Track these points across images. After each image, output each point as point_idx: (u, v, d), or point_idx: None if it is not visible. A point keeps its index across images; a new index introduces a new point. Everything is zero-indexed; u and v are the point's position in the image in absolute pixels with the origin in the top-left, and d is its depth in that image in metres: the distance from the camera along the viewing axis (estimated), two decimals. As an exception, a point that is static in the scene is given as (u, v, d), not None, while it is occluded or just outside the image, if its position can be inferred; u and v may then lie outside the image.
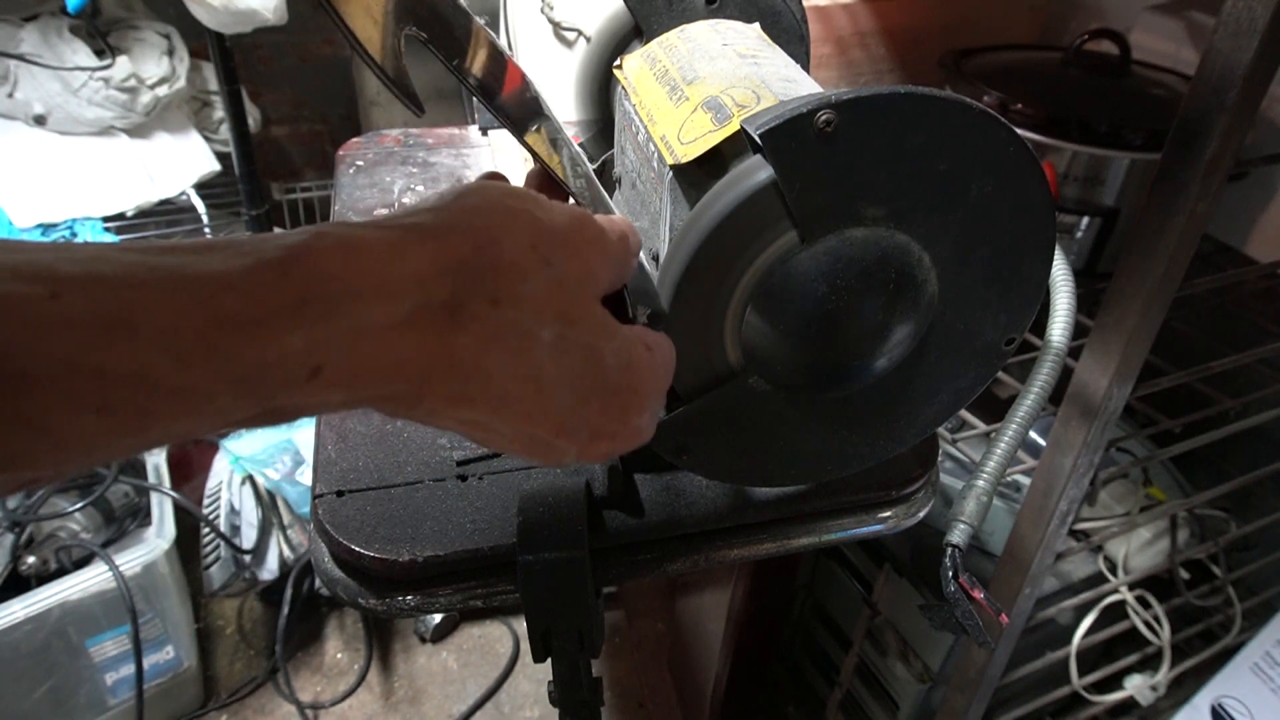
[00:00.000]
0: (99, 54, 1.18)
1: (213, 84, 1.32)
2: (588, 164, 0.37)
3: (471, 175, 0.76)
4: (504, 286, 0.26)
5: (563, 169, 0.36)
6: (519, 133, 0.36)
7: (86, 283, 0.19)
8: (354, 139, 0.86)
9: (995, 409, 0.57)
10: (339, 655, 1.31)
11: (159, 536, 1.09)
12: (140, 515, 1.20)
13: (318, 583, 1.26)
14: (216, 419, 0.22)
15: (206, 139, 1.36)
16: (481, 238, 0.26)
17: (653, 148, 0.41)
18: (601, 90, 0.50)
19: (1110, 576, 0.84)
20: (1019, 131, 0.33)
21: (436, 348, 0.25)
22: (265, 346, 0.21)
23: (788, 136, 0.30)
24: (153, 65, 1.22)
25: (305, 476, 1.23)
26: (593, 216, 0.30)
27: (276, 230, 0.27)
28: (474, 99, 0.37)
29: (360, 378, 0.24)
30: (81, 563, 1.09)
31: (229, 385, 0.21)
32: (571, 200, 0.37)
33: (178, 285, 0.21)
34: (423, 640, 1.34)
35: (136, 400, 0.20)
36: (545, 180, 0.37)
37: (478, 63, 0.34)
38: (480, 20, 0.33)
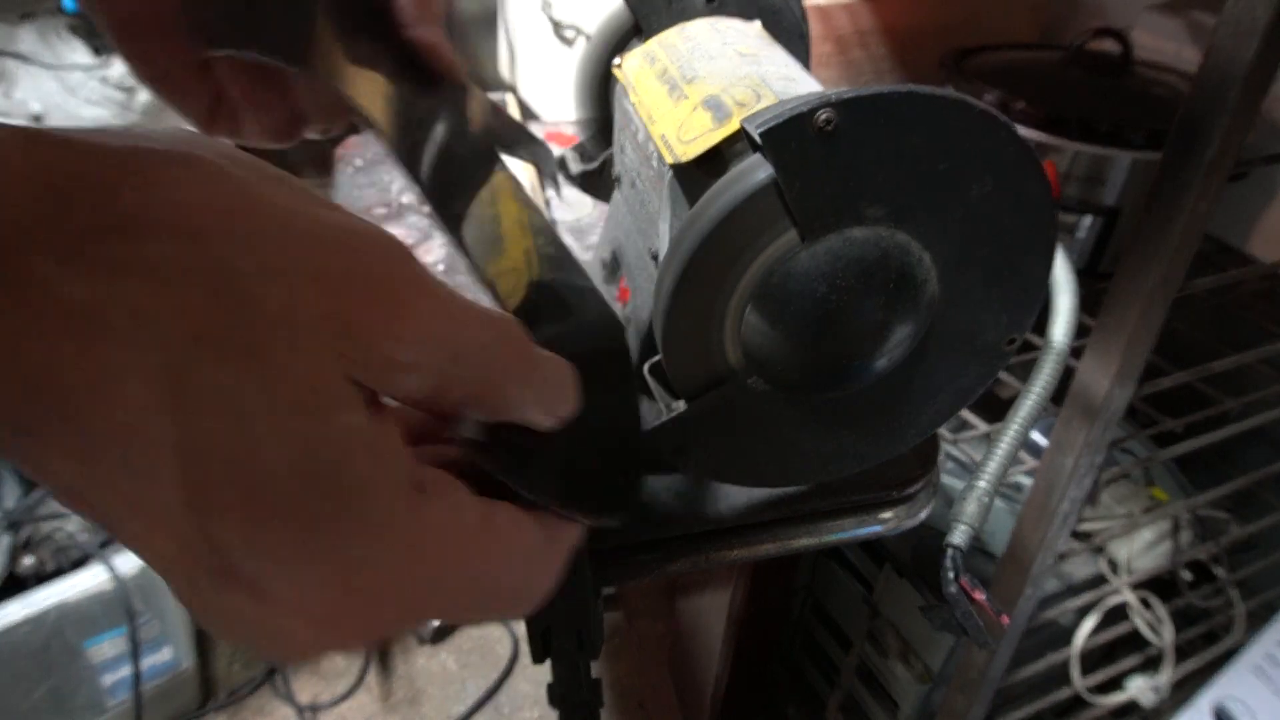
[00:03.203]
0: (96, 52, 1.18)
1: (212, 84, 1.32)
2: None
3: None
4: (119, 242, 0.17)
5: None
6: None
7: None
8: (353, 138, 0.85)
9: (996, 409, 0.57)
10: (338, 656, 1.31)
11: (158, 537, 1.09)
12: (139, 516, 1.20)
13: (317, 583, 1.26)
14: None
15: (206, 139, 1.36)
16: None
17: (652, 147, 0.41)
18: (601, 89, 0.50)
19: (1112, 577, 0.84)
20: (1020, 130, 0.32)
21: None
22: None
23: (788, 135, 0.30)
24: (152, 65, 1.22)
25: (304, 477, 1.23)
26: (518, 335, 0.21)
27: None
28: None
29: None
30: (79, 564, 1.08)
31: None
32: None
33: None
34: (422, 641, 1.34)
35: None
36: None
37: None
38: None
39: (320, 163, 1.69)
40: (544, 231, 0.33)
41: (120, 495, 0.16)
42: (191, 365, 0.16)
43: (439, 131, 0.33)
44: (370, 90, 0.31)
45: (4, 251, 0.15)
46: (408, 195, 0.75)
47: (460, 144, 0.34)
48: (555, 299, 0.28)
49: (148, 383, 0.16)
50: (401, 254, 0.19)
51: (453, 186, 0.31)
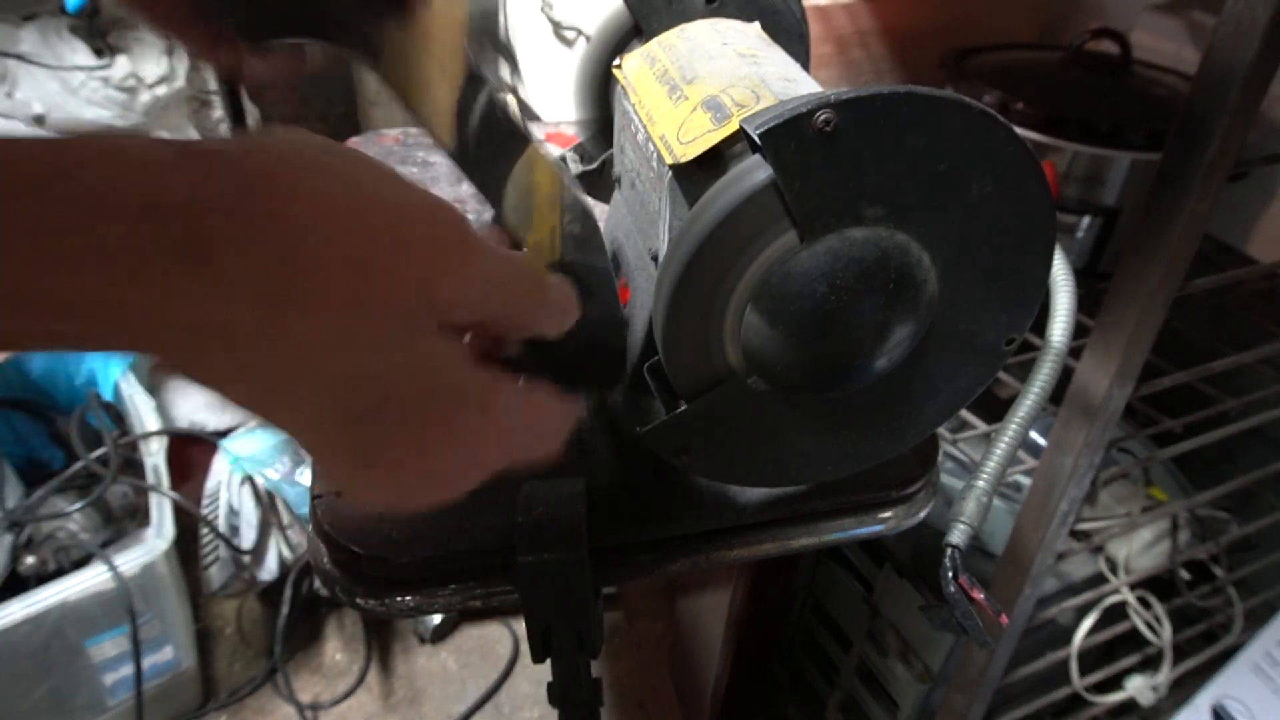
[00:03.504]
0: (98, 53, 1.18)
1: (212, 83, 1.32)
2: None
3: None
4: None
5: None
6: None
7: None
8: (353, 138, 0.86)
9: (995, 409, 0.57)
10: (338, 656, 1.31)
11: (158, 537, 1.09)
12: (139, 516, 1.20)
13: (317, 583, 1.26)
14: None
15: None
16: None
17: (652, 147, 0.41)
18: (601, 90, 0.50)
19: (1111, 577, 0.84)
20: (1019, 131, 0.33)
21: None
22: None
23: (787, 136, 0.30)
24: (152, 65, 1.22)
25: (305, 477, 1.23)
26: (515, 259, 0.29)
27: None
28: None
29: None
30: (80, 563, 1.08)
31: None
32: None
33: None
34: (422, 641, 1.34)
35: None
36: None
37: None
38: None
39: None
40: (572, 207, 0.36)
41: (293, 415, 0.23)
42: (341, 319, 0.22)
43: (480, 104, 0.34)
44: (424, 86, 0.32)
45: (194, 241, 0.20)
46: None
47: (499, 117, 0.35)
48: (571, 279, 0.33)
49: (315, 333, 0.22)
50: (459, 221, 0.25)
51: (493, 158, 0.34)
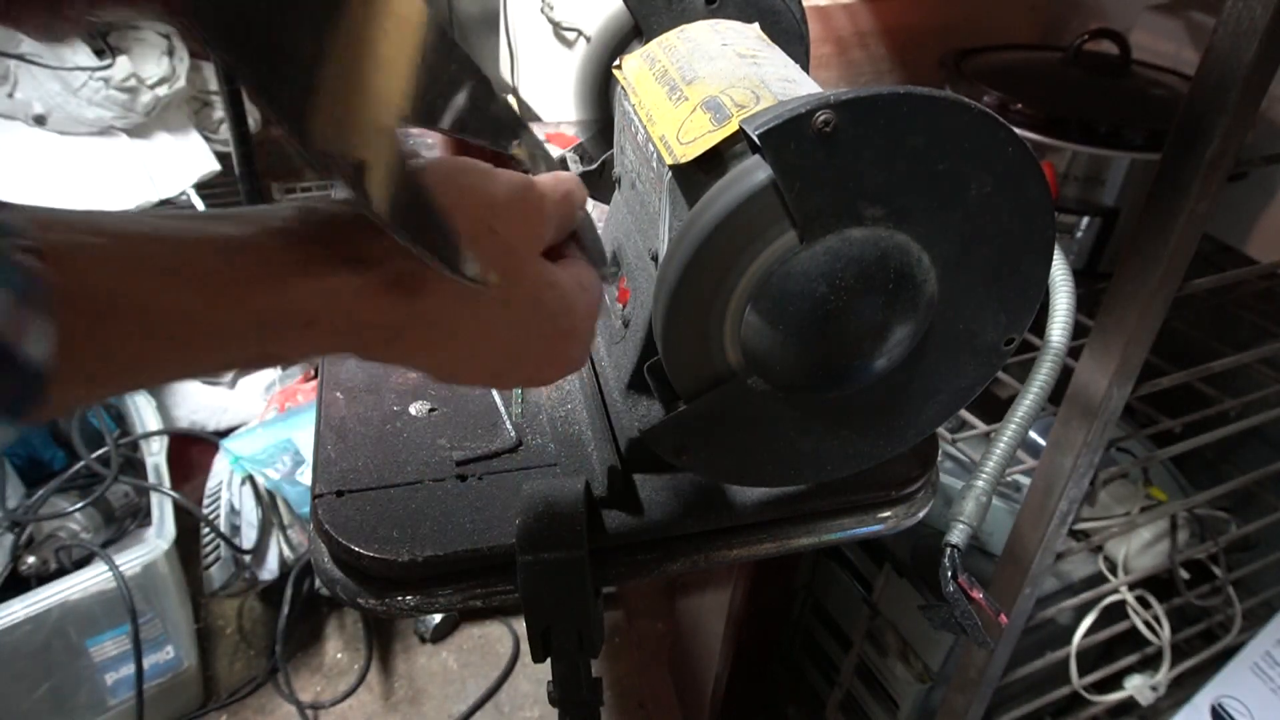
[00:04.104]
0: (99, 54, 1.18)
1: (213, 84, 1.33)
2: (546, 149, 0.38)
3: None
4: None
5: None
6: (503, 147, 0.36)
7: (137, 238, 0.25)
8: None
9: (995, 409, 0.57)
10: (339, 655, 1.31)
11: (159, 536, 1.09)
12: (140, 515, 1.20)
13: (318, 583, 1.26)
14: (234, 356, 0.27)
15: (206, 139, 1.36)
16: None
17: (652, 148, 0.41)
18: (601, 90, 0.50)
19: (1110, 576, 0.84)
20: (1019, 131, 0.33)
21: (406, 307, 0.29)
22: (273, 298, 0.26)
23: (787, 136, 0.30)
24: (153, 65, 1.22)
25: (305, 476, 1.23)
26: (534, 183, 0.34)
27: (270, 204, 0.32)
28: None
29: (344, 329, 0.28)
30: (81, 563, 1.09)
31: (244, 327, 0.26)
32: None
33: (203, 244, 0.26)
34: (423, 640, 1.34)
35: (179, 333, 0.25)
36: (461, 145, 0.37)
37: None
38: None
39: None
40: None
41: (479, 359, 0.33)
42: (507, 289, 0.31)
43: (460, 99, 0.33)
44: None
45: (427, 272, 0.29)
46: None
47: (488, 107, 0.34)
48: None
49: (493, 304, 0.31)
50: (534, 185, 0.33)
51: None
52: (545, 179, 0.34)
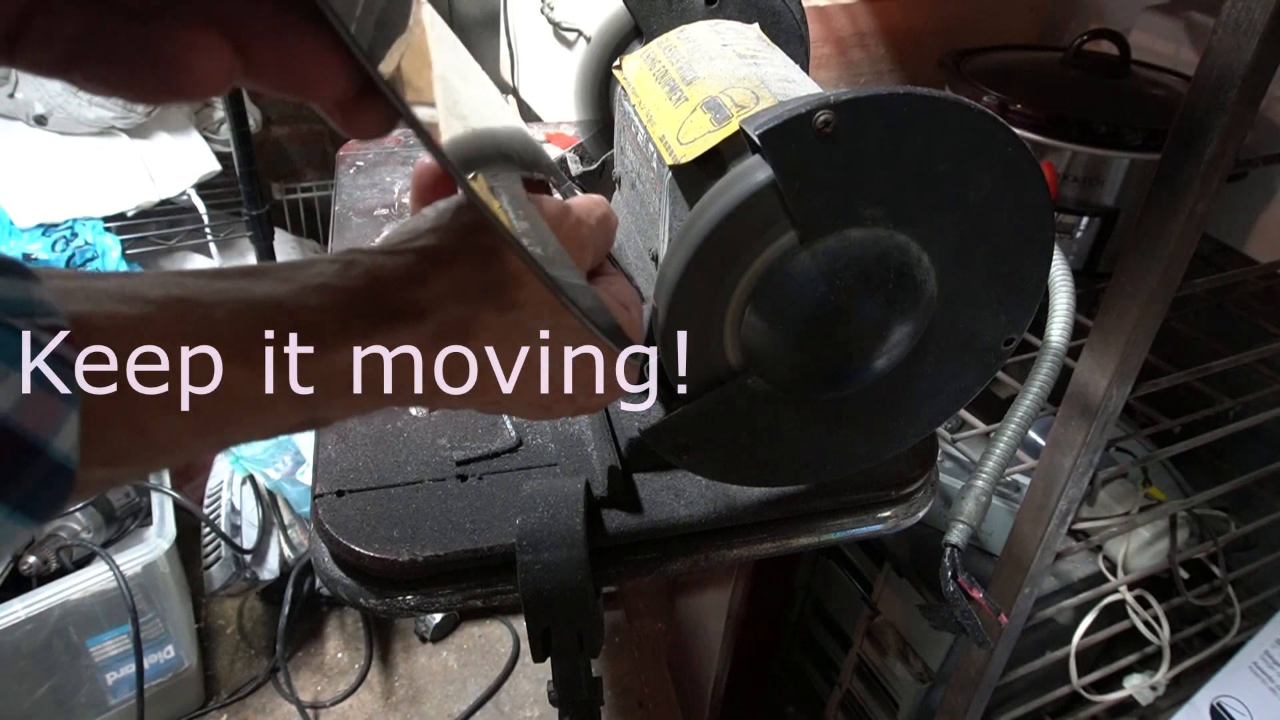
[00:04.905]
0: (99, 54, 1.18)
1: (213, 84, 1.32)
2: (528, 203, 0.34)
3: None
4: (507, 295, 0.29)
5: (504, 213, 0.34)
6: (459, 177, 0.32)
7: (169, 304, 0.23)
8: (353, 140, 0.86)
9: (995, 409, 0.57)
10: (339, 655, 1.31)
11: (159, 536, 1.09)
12: (141, 515, 1.20)
13: (318, 582, 1.26)
14: (274, 425, 0.25)
15: (207, 139, 1.36)
16: (485, 255, 0.29)
17: (652, 148, 0.41)
18: (601, 91, 0.51)
19: (1110, 576, 0.84)
20: (1018, 132, 0.33)
21: (457, 356, 0.28)
22: (318, 363, 0.25)
23: (786, 137, 0.30)
24: (153, 65, 1.22)
25: (305, 476, 1.23)
26: (571, 208, 0.33)
27: (308, 256, 0.31)
28: None
29: (393, 388, 0.27)
30: (82, 562, 1.09)
31: (288, 395, 0.25)
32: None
33: (240, 307, 0.24)
34: (423, 640, 1.34)
35: (218, 406, 0.23)
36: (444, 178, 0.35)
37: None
38: None
39: (321, 164, 1.69)
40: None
41: (529, 394, 0.32)
42: (554, 324, 0.31)
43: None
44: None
45: (477, 317, 0.29)
46: (408, 196, 0.75)
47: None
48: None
49: (540, 340, 0.31)
50: (571, 209, 0.33)
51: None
52: (579, 203, 0.34)
